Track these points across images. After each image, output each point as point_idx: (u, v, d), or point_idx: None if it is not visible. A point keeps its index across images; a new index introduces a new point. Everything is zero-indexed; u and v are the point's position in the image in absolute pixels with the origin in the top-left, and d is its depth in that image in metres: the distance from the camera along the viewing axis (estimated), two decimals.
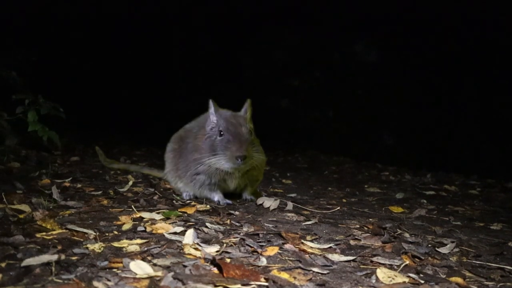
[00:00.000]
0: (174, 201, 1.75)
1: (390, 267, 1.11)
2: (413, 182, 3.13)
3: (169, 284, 0.87)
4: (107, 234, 1.22)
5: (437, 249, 1.31)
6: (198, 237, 1.21)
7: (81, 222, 1.32)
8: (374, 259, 1.15)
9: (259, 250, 1.15)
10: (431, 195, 2.58)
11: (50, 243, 1.09)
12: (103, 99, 6.14)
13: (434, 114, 4.55)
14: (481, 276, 1.11)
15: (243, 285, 0.90)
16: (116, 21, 6.12)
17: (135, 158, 3.32)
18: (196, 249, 1.12)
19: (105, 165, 2.56)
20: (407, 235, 1.44)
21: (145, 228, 1.28)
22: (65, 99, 3.00)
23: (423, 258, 1.20)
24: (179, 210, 1.55)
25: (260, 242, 1.23)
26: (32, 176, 2.06)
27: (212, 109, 1.73)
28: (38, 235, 1.15)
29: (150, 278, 0.90)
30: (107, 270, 0.94)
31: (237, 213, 1.59)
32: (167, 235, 1.22)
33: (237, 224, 1.42)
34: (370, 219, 1.66)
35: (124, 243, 1.13)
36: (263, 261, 1.07)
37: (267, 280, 0.94)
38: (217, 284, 0.89)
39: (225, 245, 1.17)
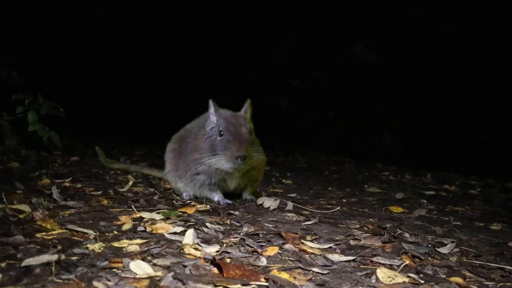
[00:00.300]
0: (174, 201, 1.75)
1: (390, 267, 1.11)
2: (413, 182, 3.13)
3: (169, 284, 0.87)
4: (107, 234, 1.22)
5: (437, 249, 1.31)
6: (198, 237, 1.21)
7: (81, 222, 1.32)
8: (374, 259, 1.15)
9: (259, 250, 1.15)
10: (431, 195, 2.58)
11: (50, 243, 1.09)
12: (103, 99, 6.14)
13: (434, 114, 4.55)
14: (481, 276, 1.11)
15: (243, 285, 0.90)
16: (116, 21, 6.12)
17: (135, 158, 3.32)
18: (196, 249, 1.12)
19: (105, 165, 2.56)
20: (407, 235, 1.44)
21: (145, 228, 1.28)
22: (65, 99, 3.00)
23: (423, 258, 1.20)
24: (179, 210, 1.55)
25: (260, 242, 1.23)
26: (32, 176, 2.06)
27: (212, 109, 1.73)
28: (38, 235, 1.15)
29: (150, 278, 0.90)
30: (107, 270, 0.94)
31: (237, 213, 1.59)
32: (167, 235, 1.22)
33: (237, 224, 1.42)
34: (370, 219, 1.66)
35: (124, 243, 1.13)
36: (263, 261, 1.07)
37: (267, 280, 0.94)
38: (217, 284, 0.89)
39: (225, 245, 1.17)
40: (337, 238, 1.34)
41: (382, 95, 4.90)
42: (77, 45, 6.03)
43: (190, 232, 1.19)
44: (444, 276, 1.08)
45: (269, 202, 1.73)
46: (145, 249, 1.09)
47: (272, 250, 1.15)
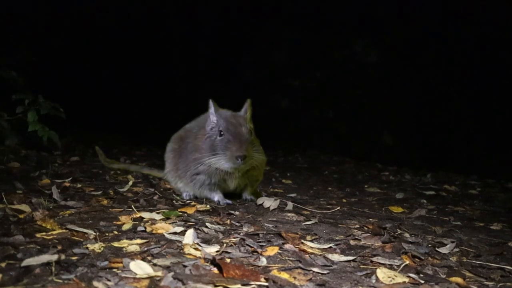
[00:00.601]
0: (174, 201, 1.75)
1: (390, 267, 1.11)
2: (413, 182, 3.13)
3: (169, 284, 0.87)
4: (107, 234, 1.22)
5: (437, 249, 1.31)
6: (198, 237, 1.21)
7: (81, 222, 1.32)
8: (374, 259, 1.15)
9: (259, 250, 1.15)
10: (431, 195, 2.58)
11: (50, 243, 1.09)
12: (103, 99, 6.14)
13: (434, 114, 4.55)
14: (481, 276, 1.11)
15: (243, 285, 0.90)
16: (116, 21, 6.12)
17: (135, 158, 3.32)
18: (196, 249, 1.12)
19: (105, 165, 2.56)
20: (407, 235, 1.44)
21: (145, 228, 1.28)
22: (65, 99, 3.00)
23: (423, 258, 1.20)
24: (179, 210, 1.55)
25: (260, 242, 1.23)
26: (32, 176, 2.06)
27: (212, 109, 1.73)
28: (38, 235, 1.15)
29: (150, 278, 0.90)
30: (107, 270, 0.94)
31: (237, 213, 1.59)
32: (167, 235, 1.22)
33: (237, 224, 1.42)
34: (370, 219, 1.66)
35: (124, 243, 1.13)
36: (263, 261, 1.07)
37: (267, 280, 0.94)
38: (217, 284, 0.89)
39: (225, 245, 1.17)
40: (337, 238, 1.34)
41: (382, 95, 4.90)
42: (77, 45, 6.04)
43: (190, 232, 1.19)
44: (444, 276, 1.08)
45: (269, 202, 1.73)
46: (145, 249, 1.09)
47: (272, 250, 1.15)
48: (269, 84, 5.79)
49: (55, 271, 0.91)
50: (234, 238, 1.24)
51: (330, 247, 1.24)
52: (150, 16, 6.20)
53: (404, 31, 4.65)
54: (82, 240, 1.15)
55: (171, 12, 6.22)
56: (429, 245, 1.33)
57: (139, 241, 1.16)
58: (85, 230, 1.21)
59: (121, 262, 0.97)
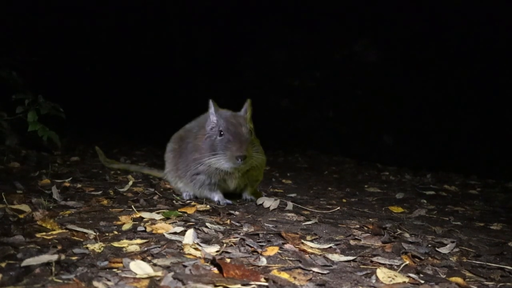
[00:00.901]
0: (174, 201, 1.75)
1: (390, 267, 1.11)
2: (413, 182, 3.13)
3: (169, 284, 0.87)
4: (107, 234, 1.22)
5: (437, 249, 1.31)
6: (198, 237, 1.21)
7: (81, 222, 1.32)
8: (374, 259, 1.15)
9: (259, 250, 1.15)
10: (431, 195, 2.58)
11: (50, 243, 1.09)
12: (103, 99, 6.14)
13: (434, 114, 4.55)
14: (481, 276, 1.11)
15: (243, 285, 0.90)
16: (116, 21, 6.12)
17: (135, 158, 3.32)
18: (196, 249, 1.12)
19: (105, 165, 2.56)
20: (407, 235, 1.44)
21: (145, 228, 1.28)
22: (65, 99, 3.00)
23: (423, 258, 1.20)
24: (179, 210, 1.55)
25: (260, 242, 1.23)
26: (32, 176, 2.06)
27: (212, 109, 1.74)
28: (38, 235, 1.15)
29: (150, 278, 0.90)
30: (107, 270, 0.94)
31: (237, 213, 1.59)
32: (167, 235, 1.22)
33: (237, 224, 1.42)
34: (370, 219, 1.66)
35: (124, 243, 1.13)
36: (263, 261, 1.07)
37: (267, 280, 0.94)
38: (217, 284, 0.89)
39: (225, 245, 1.17)
40: (337, 238, 1.34)
41: (382, 95, 4.90)
42: (77, 45, 6.04)
43: (190, 232, 1.19)
44: (444, 276, 1.08)
45: (269, 202, 1.73)
46: (145, 249, 1.09)
47: (272, 250, 1.15)
48: (269, 84, 5.79)
49: (55, 271, 0.91)
50: (234, 238, 1.24)
51: (330, 247, 1.24)
52: (150, 16, 6.20)
53: (404, 31, 4.65)
54: (82, 240, 1.15)
55: (171, 12, 6.22)
56: (429, 245, 1.33)
57: (139, 241, 1.16)
58: (85, 230, 1.21)
59: (121, 262, 0.97)
